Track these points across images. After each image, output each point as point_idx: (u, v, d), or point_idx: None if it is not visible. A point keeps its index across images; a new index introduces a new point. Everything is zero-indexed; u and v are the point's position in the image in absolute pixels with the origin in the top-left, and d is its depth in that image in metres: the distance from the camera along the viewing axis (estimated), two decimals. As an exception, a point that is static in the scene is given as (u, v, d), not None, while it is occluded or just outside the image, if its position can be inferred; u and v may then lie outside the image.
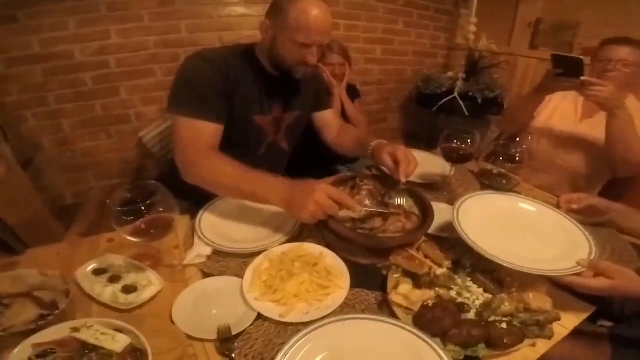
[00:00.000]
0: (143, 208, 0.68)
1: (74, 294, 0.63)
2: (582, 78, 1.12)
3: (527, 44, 2.50)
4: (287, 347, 0.57)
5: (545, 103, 1.41)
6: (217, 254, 0.82)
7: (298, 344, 0.58)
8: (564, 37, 2.37)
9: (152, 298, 0.69)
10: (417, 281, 0.70)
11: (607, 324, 0.94)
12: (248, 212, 0.95)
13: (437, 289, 0.68)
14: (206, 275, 0.77)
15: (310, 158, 1.58)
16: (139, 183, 0.71)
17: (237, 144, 1.05)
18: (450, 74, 2.35)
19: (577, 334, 0.75)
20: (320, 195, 0.75)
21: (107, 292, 0.69)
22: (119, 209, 0.67)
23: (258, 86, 1.05)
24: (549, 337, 0.64)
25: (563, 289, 0.73)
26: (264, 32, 0.99)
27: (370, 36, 2.37)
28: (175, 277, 0.76)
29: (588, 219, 0.98)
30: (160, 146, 1.81)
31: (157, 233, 0.71)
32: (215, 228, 0.89)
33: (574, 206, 0.98)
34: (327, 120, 1.27)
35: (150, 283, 0.71)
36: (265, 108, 1.08)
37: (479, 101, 2.15)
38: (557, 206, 1.00)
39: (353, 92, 1.82)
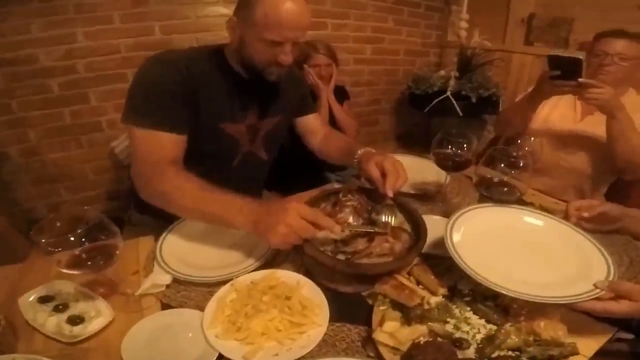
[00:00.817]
0: (82, 238, 0.60)
1: (19, 324, 0.60)
2: (580, 80, 1.07)
3: (521, 40, 2.47)
4: None
5: (542, 102, 1.34)
6: (180, 282, 0.72)
7: None
8: (559, 32, 2.34)
9: (102, 330, 0.63)
10: (407, 314, 0.61)
11: (627, 336, 0.85)
12: (217, 234, 0.85)
13: (430, 323, 0.58)
14: (165, 306, 0.69)
15: (297, 166, 1.49)
16: (72, 210, 0.64)
17: (206, 156, 0.96)
18: (442, 72, 2.28)
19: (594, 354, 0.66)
20: (292, 216, 0.66)
21: (51, 322, 0.62)
22: (46, 240, 0.58)
23: (228, 91, 0.95)
24: None
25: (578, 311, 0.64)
26: (232, 31, 0.90)
27: (360, 35, 2.30)
28: (130, 307, 0.68)
29: (600, 227, 0.89)
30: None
31: (98, 264, 0.62)
32: (178, 252, 0.79)
33: (585, 214, 0.89)
34: (312, 125, 1.19)
35: (99, 313, 0.64)
36: (236, 115, 0.98)
37: (473, 100, 2.08)
38: (566, 215, 0.90)
39: (342, 94, 1.74)
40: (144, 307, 0.68)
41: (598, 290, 0.61)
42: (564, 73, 1.08)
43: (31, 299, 0.66)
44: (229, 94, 0.95)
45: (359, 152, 0.95)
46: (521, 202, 0.96)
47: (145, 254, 0.81)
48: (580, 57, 1.08)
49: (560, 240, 0.75)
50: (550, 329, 0.59)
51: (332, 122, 1.61)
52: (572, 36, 2.27)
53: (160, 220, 0.89)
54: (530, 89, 1.32)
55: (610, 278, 0.64)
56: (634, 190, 1.41)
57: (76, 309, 0.65)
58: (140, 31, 1.66)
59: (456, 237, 0.69)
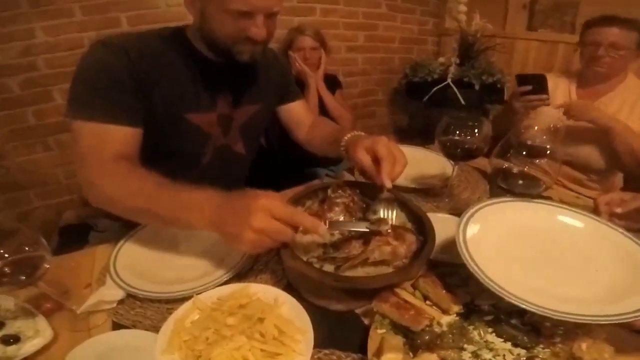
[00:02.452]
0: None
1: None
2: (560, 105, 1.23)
3: (523, 26, 2.44)
4: None
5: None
6: (134, 297, 0.63)
7: None
8: (564, 17, 2.33)
9: (40, 352, 0.56)
10: (412, 339, 0.48)
11: None
12: (183, 241, 0.75)
13: (442, 352, 0.46)
14: (116, 325, 0.61)
15: (283, 162, 1.38)
16: None
17: (171, 153, 0.86)
18: (441, 59, 2.18)
19: None
20: (260, 218, 0.54)
21: None
22: None
23: (191, 76, 0.84)
24: None
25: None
26: (190, 5, 0.79)
27: (351, 21, 2.21)
28: (76, 325, 0.60)
29: (634, 224, 0.78)
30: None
31: (20, 280, 0.55)
32: (135, 263, 0.69)
33: (618, 210, 0.78)
34: (297, 115, 1.08)
35: (38, 333, 0.57)
36: (202, 103, 0.87)
37: (477, 87, 1.98)
38: (595, 211, 0.79)
39: (333, 83, 1.64)
40: (92, 327, 0.60)
41: None
42: (533, 89, 1.23)
43: None
44: (192, 79, 0.84)
45: (346, 137, 0.82)
46: (542, 196, 0.85)
47: (102, 265, 0.71)
48: (544, 74, 1.27)
49: (603, 245, 0.62)
50: (594, 351, 0.48)
51: (324, 113, 1.50)
52: (578, 20, 2.21)
53: (128, 225, 0.78)
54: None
55: None
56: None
57: (13, 327, 0.58)
58: (105, 23, 1.56)
59: (471, 240, 0.57)
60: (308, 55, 1.50)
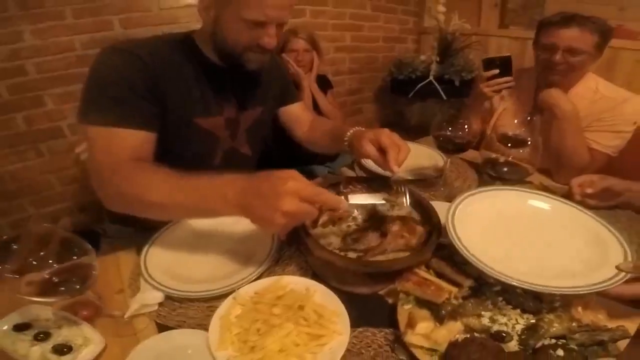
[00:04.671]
0: (50, 260, 0.53)
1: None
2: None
3: (496, 24, 2.52)
4: None
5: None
6: (173, 298, 0.65)
7: None
8: (532, 14, 2.37)
9: (94, 358, 0.57)
10: (437, 312, 0.56)
11: None
12: (207, 241, 0.78)
13: (464, 319, 0.54)
14: (161, 327, 0.61)
15: (281, 160, 1.42)
16: (34, 228, 0.56)
17: (182, 157, 0.87)
18: (423, 57, 2.27)
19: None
20: (290, 201, 0.54)
21: (34, 353, 0.55)
22: (9, 266, 0.50)
23: (200, 81, 0.86)
24: (615, 356, 0.53)
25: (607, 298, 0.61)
26: (204, 12, 0.80)
27: (339, 22, 2.26)
28: (122, 331, 0.61)
29: (604, 202, 0.89)
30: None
31: (73, 288, 0.55)
32: (166, 266, 0.71)
33: (589, 190, 0.88)
34: (296, 114, 1.12)
35: (88, 340, 0.58)
36: (212, 108, 0.90)
37: (457, 83, 2.09)
38: (569, 192, 0.89)
39: (324, 84, 1.68)
40: (138, 330, 0.61)
41: (624, 273, 0.58)
42: (500, 71, 1.22)
43: (5, 327, 0.59)
44: (201, 84, 0.86)
45: (349, 133, 0.87)
46: (523, 181, 0.95)
47: (129, 270, 0.73)
48: (509, 54, 1.24)
49: (571, 223, 0.71)
50: (590, 314, 0.56)
51: (317, 113, 1.54)
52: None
53: (140, 229, 0.80)
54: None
55: (629, 259, 0.62)
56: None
57: (60, 336, 0.58)
58: (97, 26, 1.53)
59: (460, 226, 0.64)
60: (301, 58, 1.53)
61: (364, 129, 0.86)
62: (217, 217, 0.66)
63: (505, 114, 1.37)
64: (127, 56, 0.77)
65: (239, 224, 0.79)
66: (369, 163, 1.02)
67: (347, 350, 0.53)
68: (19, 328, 0.58)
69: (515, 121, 1.23)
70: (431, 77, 2.06)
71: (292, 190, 0.54)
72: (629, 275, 0.57)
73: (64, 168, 1.67)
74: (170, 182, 0.65)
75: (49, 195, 1.69)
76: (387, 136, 0.76)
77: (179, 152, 0.87)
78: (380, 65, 2.57)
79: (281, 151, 1.30)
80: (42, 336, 0.57)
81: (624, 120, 1.16)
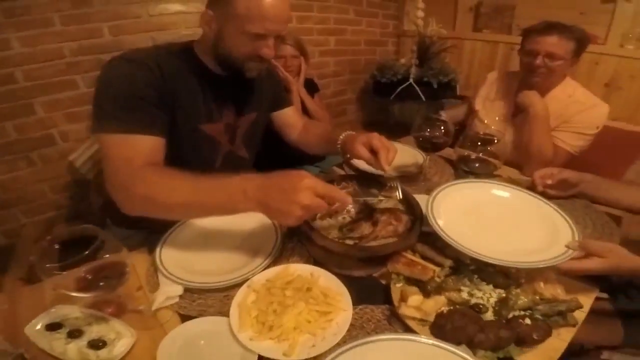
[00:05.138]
0: (85, 255, 0.58)
1: (33, 356, 0.56)
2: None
3: (470, 27, 2.62)
4: None
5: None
6: (191, 291, 0.72)
7: None
8: (503, 19, 2.49)
9: (128, 351, 0.61)
10: (423, 288, 0.66)
11: (604, 295, 0.98)
12: (216, 238, 0.85)
13: (446, 293, 0.64)
14: (184, 317, 0.67)
15: (273, 161, 1.49)
16: (71, 228, 0.61)
17: (187, 160, 0.92)
18: (402, 60, 2.39)
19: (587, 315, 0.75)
20: (307, 195, 0.61)
21: (71, 350, 0.59)
22: (50, 265, 0.55)
23: (202, 90, 0.92)
24: (574, 325, 0.63)
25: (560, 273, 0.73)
26: (207, 26, 0.86)
27: (323, 27, 2.33)
28: (148, 323, 0.66)
29: (563, 191, 1.03)
30: (97, 169, 1.61)
31: (110, 284, 0.60)
32: (181, 261, 0.78)
33: (549, 181, 1.01)
34: (289, 119, 1.20)
35: (120, 334, 0.62)
36: (213, 115, 0.96)
37: (435, 86, 2.21)
38: (532, 183, 1.02)
39: (312, 87, 1.76)
40: (163, 322, 0.66)
41: (571, 250, 0.69)
42: None
43: (38, 327, 0.62)
44: (203, 93, 0.92)
45: (341, 137, 0.97)
46: (494, 175, 1.08)
47: (144, 268, 0.78)
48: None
49: (528, 209, 0.84)
50: (550, 288, 0.67)
51: (305, 115, 1.62)
52: (514, 22, 2.44)
53: (143, 230, 0.85)
54: None
55: (576, 238, 0.74)
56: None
57: (92, 332, 0.62)
58: (86, 33, 1.54)
59: (438, 213, 0.77)
60: (289, 63, 1.60)
61: (354, 133, 0.96)
62: (235, 213, 0.71)
63: (488, 114, 1.50)
64: (135, 66, 0.81)
65: (243, 224, 0.86)
66: (357, 162, 1.12)
67: (351, 324, 0.62)
68: (51, 328, 0.62)
69: (497, 118, 1.38)
70: (411, 80, 2.17)
71: (308, 186, 0.62)
72: (575, 253, 0.69)
73: (56, 176, 1.68)
74: (191, 183, 0.70)
75: (41, 204, 1.69)
76: (378, 139, 0.86)
77: (184, 157, 0.92)
78: (363, 67, 2.66)
79: (273, 153, 1.37)
80: (75, 334, 0.61)
81: (589, 124, 1.31)
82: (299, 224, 0.68)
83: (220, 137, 1.00)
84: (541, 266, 0.66)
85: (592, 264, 0.66)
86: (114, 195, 0.77)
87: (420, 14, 2.19)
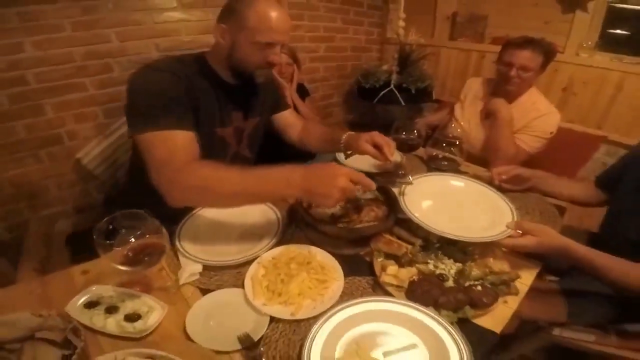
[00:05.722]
0: (132, 238, 0.69)
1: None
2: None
3: (447, 36, 2.75)
4: (311, 334, 0.64)
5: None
6: (208, 269, 0.83)
7: (319, 332, 0.65)
8: (477, 28, 2.63)
9: (159, 323, 0.69)
10: (399, 261, 0.81)
11: (553, 278, 1.16)
12: (226, 225, 0.97)
13: (417, 265, 0.80)
14: (203, 291, 0.77)
15: (270, 159, 1.61)
16: (121, 212, 0.70)
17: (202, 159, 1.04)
18: (385, 67, 2.53)
19: (532, 292, 0.88)
20: (344, 180, 0.74)
21: (110, 323, 0.66)
22: (107, 242, 0.66)
23: (217, 97, 1.02)
24: (516, 294, 0.78)
25: (511, 252, 0.88)
26: (221, 37, 0.96)
27: (314, 35, 2.44)
28: (172, 298, 0.75)
29: (516, 186, 1.19)
30: (104, 167, 1.70)
31: (150, 260, 0.70)
32: (198, 244, 0.89)
33: (504, 176, 1.18)
34: (289, 120, 1.31)
35: (152, 308, 0.70)
36: (225, 119, 1.07)
37: (413, 92, 2.37)
38: (491, 178, 1.18)
39: (303, 92, 1.89)
40: (187, 296, 0.76)
41: (510, 230, 0.86)
42: None
43: (77, 305, 0.69)
44: (218, 100, 1.03)
45: (344, 137, 1.11)
46: (459, 171, 1.26)
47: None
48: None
49: (478, 196, 1.03)
50: (497, 263, 0.82)
51: (298, 118, 1.75)
52: (487, 31, 2.60)
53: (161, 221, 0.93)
54: None
55: (515, 219, 0.90)
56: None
57: (127, 308, 0.69)
58: (95, 39, 1.61)
59: (408, 200, 0.95)
60: (284, 70, 1.72)
61: (354, 133, 1.11)
62: (280, 200, 0.86)
63: (463, 117, 1.69)
64: (161, 74, 0.89)
65: (248, 214, 0.98)
66: (350, 162, 1.24)
67: (343, 291, 0.76)
68: (89, 306, 0.69)
69: (471, 121, 1.56)
70: (392, 86, 2.33)
71: (344, 173, 0.75)
72: (511, 231, 0.85)
73: (62, 173, 1.73)
74: (240, 174, 0.78)
75: (46, 200, 1.74)
76: (379, 137, 1.03)
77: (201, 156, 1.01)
78: (349, 72, 2.79)
79: (270, 152, 1.48)
80: (112, 310, 0.68)
81: (544, 130, 1.51)
82: (336, 204, 0.81)
83: (230, 139, 1.11)
84: (486, 241, 0.83)
85: (526, 241, 0.82)
86: (163, 187, 0.82)
87: (402, 23, 2.32)
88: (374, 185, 0.81)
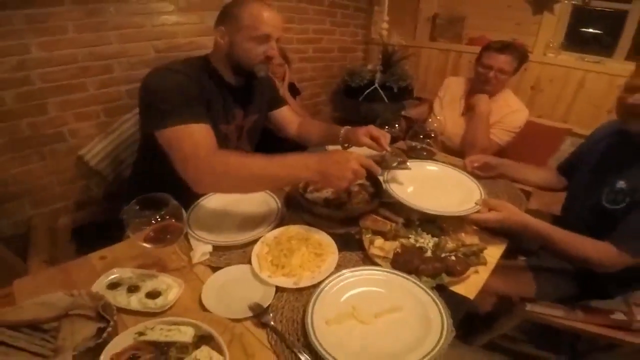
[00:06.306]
0: (158, 218, 0.75)
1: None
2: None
3: (428, 37, 2.87)
4: (312, 299, 0.73)
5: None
6: (217, 249, 0.89)
7: (319, 297, 0.74)
8: (455, 29, 2.76)
9: (178, 298, 0.74)
10: (384, 236, 0.92)
11: (523, 257, 1.28)
12: (231, 211, 1.04)
13: (400, 239, 0.90)
14: (214, 269, 0.84)
15: (266, 152, 1.69)
16: (147, 195, 0.76)
17: None
18: (369, 66, 2.64)
19: (505, 270, 0.99)
20: (355, 163, 0.83)
21: (134, 301, 0.71)
22: (137, 220, 0.73)
23: (221, 97, 1.09)
24: (485, 264, 0.87)
25: (483, 229, 0.99)
26: (221, 39, 1.02)
27: (303, 37, 2.51)
28: (187, 277, 0.81)
29: (486, 172, 1.31)
30: (106, 163, 1.74)
31: (171, 239, 0.77)
32: (206, 228, 0.95)
33: (475, 164, 1.30)
34: (286, 116, 1.36)
35: (170, 286, 0.75)
36: (228, 117, 1.14)
37: (395, 90, 2.49)
38: (464, 165, 1.30)
39: (294, 91, 1.97)
40: (199, 274, 0.82)
41: (478, 206, 0.97)
42: None
43: (101, 287, 0.73)
44: (223, 99, 1.10)
45: (342, 131, 1.21)
46: (436, 160, 1.37)
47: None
48: None
49: (451, 178, 1.16)
50: (469, 238, 0.93)
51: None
52: (464, 32, 2.73)
53: None
54: None
55: (482, 197, 1.02)
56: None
57: (147, 287, 0.73)
58: (97, 41, 1.64)
59: (391, 183, 1.07)
60: (276, 70, 1.79)
61: (351, 127, 1.21)
62: (298, 182, 0.96)
63: (442, 112, 1.81)
64: (177, 74, 0.95)
65: (250, 201, 1.06)
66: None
67: (338, 264, 0.85)
68: (112, 287, 0.74)
69: (449, 116, 1.69)
70: (376, 85, 2.44)
71: (355, 157, 0.84)
72: (479, 207, 0.95)
73: (64, 170, 1.76)
74: (262, 160, 0.85)
75: (48, 196, 1.76)
76: (375, 130, 1.13)
77: None
78: (336, 72, 2.87)
79: (266, 146, 1.56)
80: (133, 289, 0.72)
81: (513, 125, 1.66)
82: (349, 186, 0.87)
83: (232, 136, 1.19)
84: (458, 215, 0.95)
85: (491, 215, 0.93)
86: (192, 176, 0.87)
87: (385, 25, 2.42)
88: (379, 169, 0.90)
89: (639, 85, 0.91)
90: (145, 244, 0.76)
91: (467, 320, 1.40)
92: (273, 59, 1.06)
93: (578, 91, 2.32)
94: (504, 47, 1.55)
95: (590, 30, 2.45)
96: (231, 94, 1.13)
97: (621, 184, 0.98)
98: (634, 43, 2.21)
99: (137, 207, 0.74)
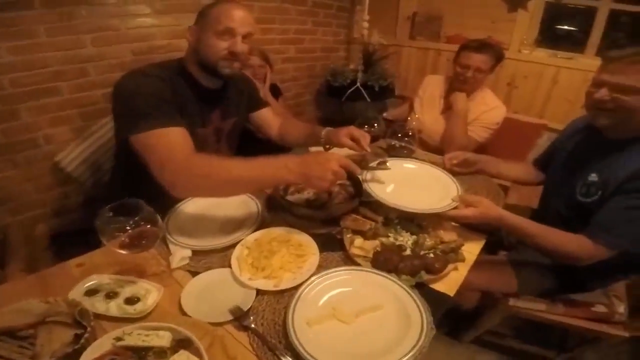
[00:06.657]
0: (132, 224, 0.73)
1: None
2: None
3: (407, 35, 2.89)
4: (293, 300, 0.72)
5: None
6: (197, 254, 0.87)
7: (300, 298, 0.73)
8: (433, 28, 2.77)
9: (157, 303, 0.72)
10: (364, 236, 0.91)
11: (503, 252, 1.29)
12: (210, 214, 1.02)
13: (380, 238, 0.90)
14: (194, 273, 0.82)
15: (247, 155, 1.67)
16: (120, 202, 0.74)
17: None
18: (351, 66, 2.64)
19: (487, 265, 0.99)
20: (335, 164, 0.82)
21: (112, 307, 0.70)
22: (111, 226, 0.71)
23: (197, 99, 1.07)
24: (463, 260, 0.88)
25: (462, 225, 1.00)
26: (191, 37, 1.01)
27: (285, 37, 2.48)
28: (166, 282, 0.79)
29: (465, 168, 1.32)
30: (83, 168, 1.68)
31: (146, 244, 0.75)
32: (185, 232, 0.93)
33: (454, 161, 1.31)
34: (266, 118, 1.35)
35: (149, 291, 0.74)
36: (205, 120, 1.11)
37: (376, 89, 2.50)
38: (443, 162, 1.31)
39: (276, 91, 1.95)
40: (179, 279, 0.80)
41: (455, 202, 0.97)
42: None
43: (79, 293, 0.71)
44: (198, 102, 1.07)
45: (323, 132, 1.20)
46: (415, 158, 1.37)
47: None
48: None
49: (428, 175, 1.17)
50: (447, 235, 0.92)
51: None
52: (442, 30, 2.75)
53: None
54: None
55: (459, 194, 1.02)
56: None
57: (126, 293, 0.72)
58: (71, 44, 1.59)
59: (370, 182, 1.07)
60: (257, 72, 1.77)
61: (333, 128, 1.20)
62: (279, 184, 0.94)
63: (421, 111, 1.83)
64: (149, 78, 0.93)
65: (229, 204, 1.04)
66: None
67: (319, 265, 0.84)
68: (90, 293, 0.72)
69: (429, 114, 1.70)
70: (358, 84, 2.45)
71: (335, 158, 0.83)
72: (456, 204, 0.96)
73: (39, 176, 1.70)
74: (243, 163, 0.83)
75: (24, 203, 1.71)
76: (356, 130, 1.13)
77: None
78: (319, 72, 2.86)
79: (247, 148, 1.55)
80: (111, 295, 0.71)
81: (491, 121, 1.69)
82: (330, 186, 0.85)
83: (210, 139, 1.16)
84: (436, 212, 0.95)
85: (468, 212, 0.93)
86: (168, 180, 0.83)
87: (365, 25, 2.43)
88: (359, 170, 0.89)
89: (604, 80, 0.92)
90: (120, 251, 0.74)
91: (453, 317, 1.41)
92: (248, 60, 1.04)
93: (552, 87, 2.38)
94: (480, 47, 1.57)
95: (564, 27, 2.51)
96: (207, 96, 1.10)
97: (593, 176, 1.00)
98: (603, 39, 2.27)
99: (110, 214, 0.72)
